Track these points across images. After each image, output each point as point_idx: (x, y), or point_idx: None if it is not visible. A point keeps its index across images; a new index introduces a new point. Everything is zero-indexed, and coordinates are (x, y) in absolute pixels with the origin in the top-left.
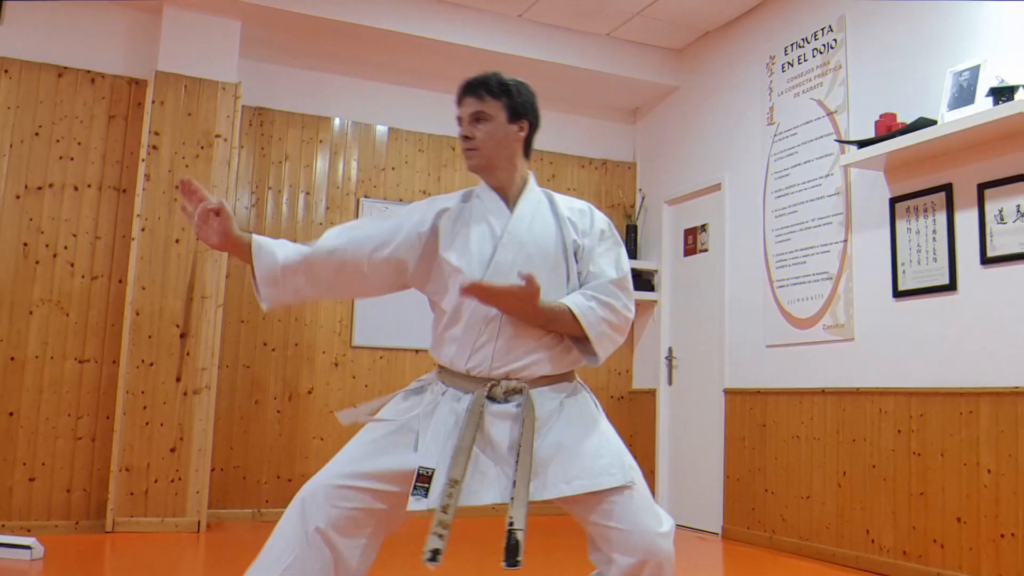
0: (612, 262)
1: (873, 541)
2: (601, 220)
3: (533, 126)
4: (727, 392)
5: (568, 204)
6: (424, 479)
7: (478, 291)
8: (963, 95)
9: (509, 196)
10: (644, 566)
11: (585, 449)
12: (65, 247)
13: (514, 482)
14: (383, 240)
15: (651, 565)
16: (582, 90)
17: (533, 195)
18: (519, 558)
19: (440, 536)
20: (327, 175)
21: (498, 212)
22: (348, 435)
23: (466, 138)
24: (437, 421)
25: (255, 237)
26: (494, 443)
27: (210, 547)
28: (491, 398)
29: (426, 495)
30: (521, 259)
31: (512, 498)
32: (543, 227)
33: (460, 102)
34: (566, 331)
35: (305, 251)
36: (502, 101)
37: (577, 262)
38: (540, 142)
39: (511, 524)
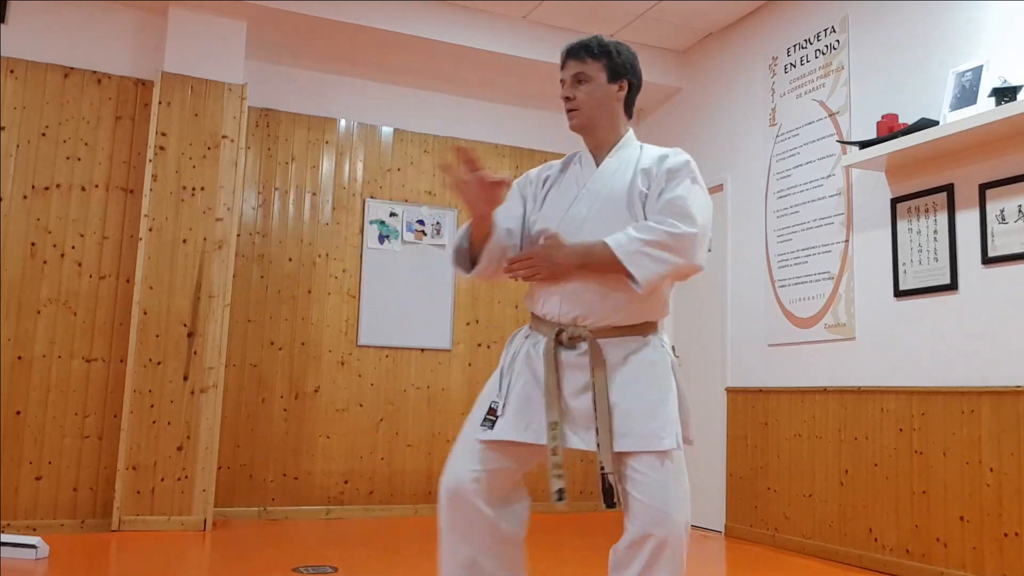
0: (672, 191)
1: (876, 540)
2: (673, 160)
3: (633, 86)
4: (729, 391)
5: (651, 153)
6: (492, 412)
7: (512, 266)
8: (965, 96)
9: (603, 155)
10: (647, 540)
11: (639, 409)
12: (72, 247)
13: (596, 429)
14: (500, 223)
15: (654, 541)
16: None
17: (624, 152)
18: (614, 500)
19: (559, 476)
20: (333, 176)
21: (588, 171)
22: (354, 433)
23: (567, 99)
24: (516, 361)
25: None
26: (568, 391)
27: (216, 545)
28: (560, 343)
29: (492, 427)
30: (594, 212)
31: (597, 445)
32: (621, 180)
33: (563, 65)
34: (607, 266)
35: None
36: (602, 62)
37: (644, 209)
38: (542, 142)
39: (602, 469)
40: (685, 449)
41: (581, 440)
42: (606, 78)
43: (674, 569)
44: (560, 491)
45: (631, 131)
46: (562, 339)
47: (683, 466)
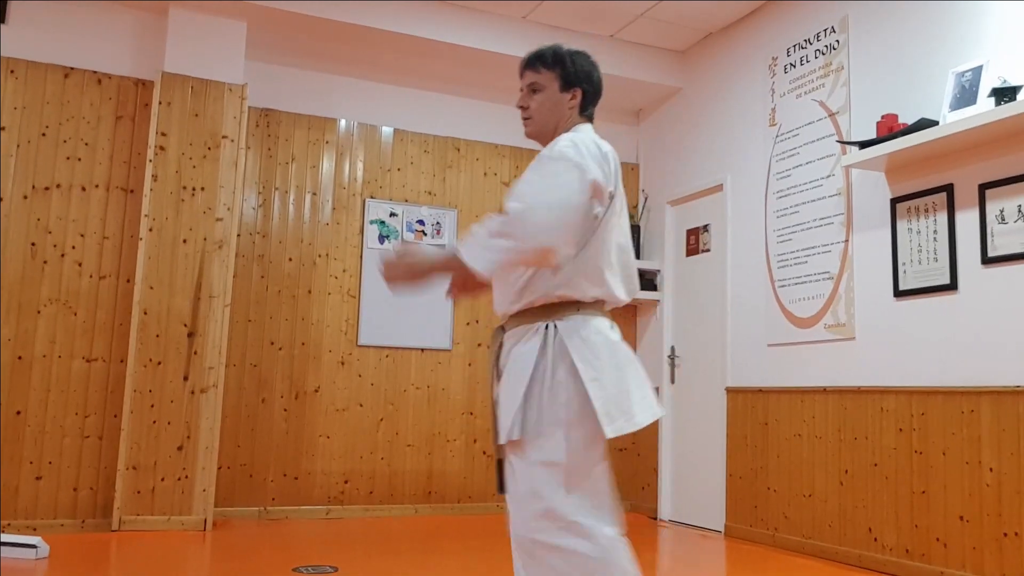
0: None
1: (876, 539)
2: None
3: (588, 93)
4: (729, 391)
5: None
6: None
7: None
8: (965, 96)
9: None
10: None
11: (502, 403)
12: (73, 247)
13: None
14: None
15: (512, 539)
16: None
17: None
18: (501, 484)
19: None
20: (333, 176)
21: None
22: (354, 433)
23: (522, 108)
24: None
25: None
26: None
27: (217, 545)
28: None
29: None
30: None
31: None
32: None
33: (520, 75)
34: (457, 264)
35: None
36: (556, 71)
37: None
38: None
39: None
40: (618, 474)
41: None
42: (559, 87)
43: (542, 570)
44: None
45: (584, 128)
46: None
47: (534, 459)
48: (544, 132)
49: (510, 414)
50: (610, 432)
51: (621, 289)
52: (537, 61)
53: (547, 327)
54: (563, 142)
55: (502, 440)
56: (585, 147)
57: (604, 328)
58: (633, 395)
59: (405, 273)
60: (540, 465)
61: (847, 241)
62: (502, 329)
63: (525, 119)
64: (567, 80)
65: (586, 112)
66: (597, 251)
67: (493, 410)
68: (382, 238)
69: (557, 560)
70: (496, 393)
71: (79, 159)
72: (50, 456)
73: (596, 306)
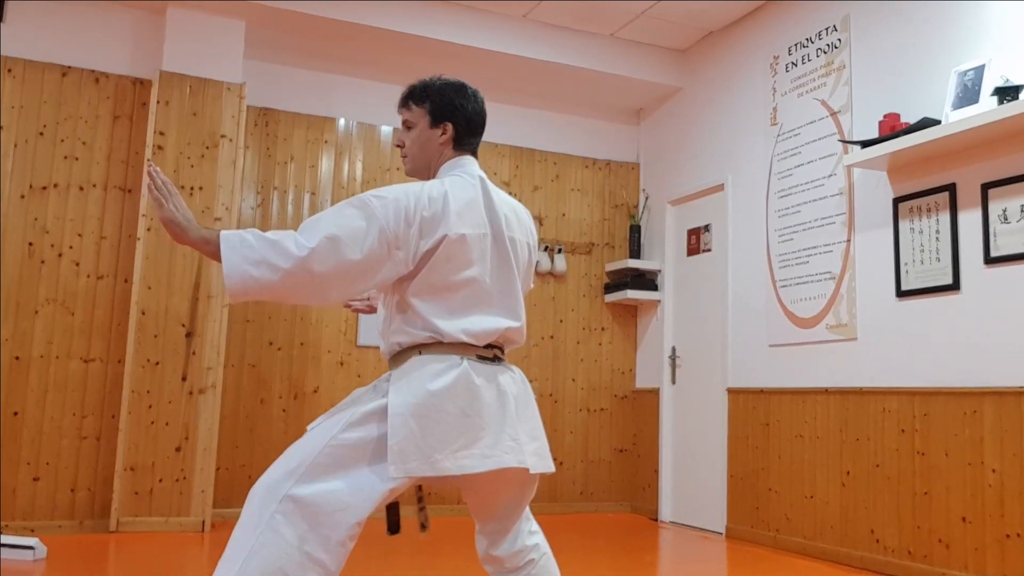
0: None
1: (878, 541)
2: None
3: (460, 127)
4: (730, 391)
5: None
6: None
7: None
8: (967, 95)
9: None
10: None
11: None
12: (70, 247)
13: None
14: None
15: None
16: (586, 91)
17: None
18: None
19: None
20: (332, 175)
21: None
22: None
23: (399, 146)
24: None
25: None
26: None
27: (215, 547)
28: None
29: None
30: None
31: None
32: None
33: (398, 112)
34: (214, 254)
35: None
36: (424, 107)
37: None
38: (543, 143)
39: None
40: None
41: None
42: (428, 123)
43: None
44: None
45: (459, 163)
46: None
47: (307, 440)
48: (418, 169)
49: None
50: (394, 472)
51: (464, 330)
52: (408, 98)
53: (387, 378)
54: (380, 192)
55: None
56: (396, 202)
57: (436, 366)
58: (447, 437)
59: (171, 228)
60: (311, 437)
61: (849, 241)
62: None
63: (402, 157)
64: (436, 115)
65: (464, 144)
66: (423, 298)
67: None
68: None
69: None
70: None
71: (77, 158)
72: (48, 457)
73: (438, 347)
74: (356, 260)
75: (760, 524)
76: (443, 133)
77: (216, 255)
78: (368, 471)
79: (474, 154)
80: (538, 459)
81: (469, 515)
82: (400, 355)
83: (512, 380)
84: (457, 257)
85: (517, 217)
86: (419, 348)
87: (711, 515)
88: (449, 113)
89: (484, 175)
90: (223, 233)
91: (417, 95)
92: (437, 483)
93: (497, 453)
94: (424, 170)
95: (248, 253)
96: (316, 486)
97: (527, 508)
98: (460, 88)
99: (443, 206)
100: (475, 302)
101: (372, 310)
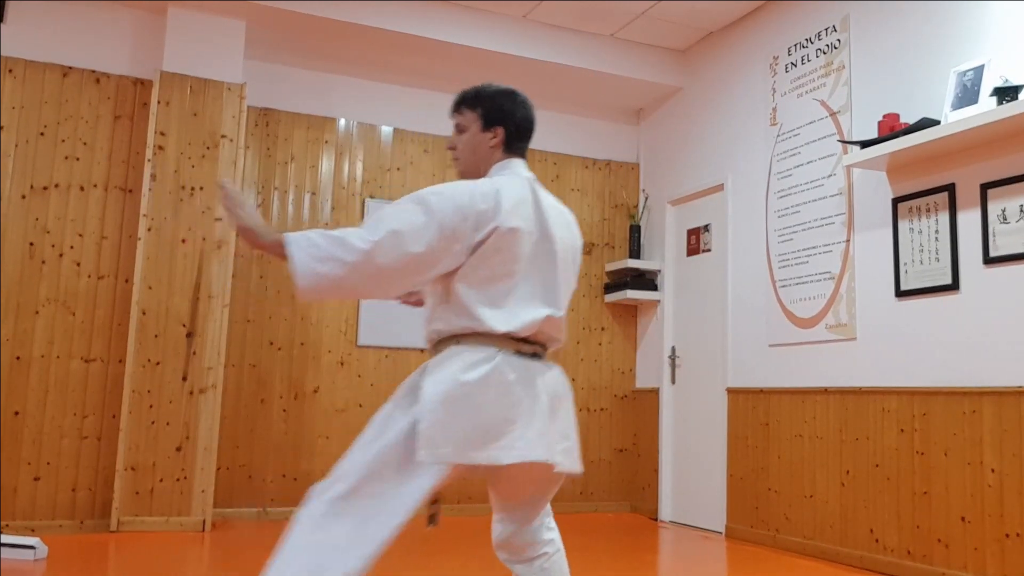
0: None
1: (877, 540)
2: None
3: (510, 131)
4: (730, 391)
5: None
6: None
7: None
8: (967, 95)
9: None
10: None
11: None
12: (71, 247)
13: None
14: None
15: None
16: (586, 91)
17: None
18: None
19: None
20: (332, 175)
21: None
22: (353, 434)
23: (451, 148)
24: None
25: None
26: None
27: (215, 546)
28: None
29: None
30: None
31: None
32: None
33: (450, 117)
34: (273, 249)
35: None
36: (477, 112)
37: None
38: (543, 143)
39: None
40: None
41: None
42: (480, 127)
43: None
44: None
45: (499, 165)
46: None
47: (358, 451)
48: (469, 170)
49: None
50: (422, 456)
51: (504, 321)
52: (461, 103)
53: (438, 359)
54: (436, 189)
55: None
56: (452, 197)
57: (471, 356)
58: (479, 428)
59: (245, 234)
60: (359, 450)
61: (848, 241)
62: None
63: (454, 159)
64: (488, 120)
65: (513, 148)
66: (468, 286)
67: None
68: None
69: (296, 526)
70: None
71: (77, 158)
72: (48, 457)
73: (477, 338)
74: (417, 253)
75: (760, 524)
76: (494, 137)
77: (285, 257)
78: (411, 468)
79: (523, 157)
80: (565, 457)
81: (469, 515)
82: (440, 343)
83: (550, 378)
84: (505, 250)
85: (564, 220)
86: (457, 338)
87: (711, 515)
88: (500, 118)
89: (534, 176)
90: (289, 235)
91: (470, 100)
92: (467, 472)
93: (525, 447)
94: (475, 172)
95: (315, 251)
96: (364, 488)
97: (548, 504)
98: (511, 94)
99: (495, 201)
100: (518, 295)
101: (420, 303)
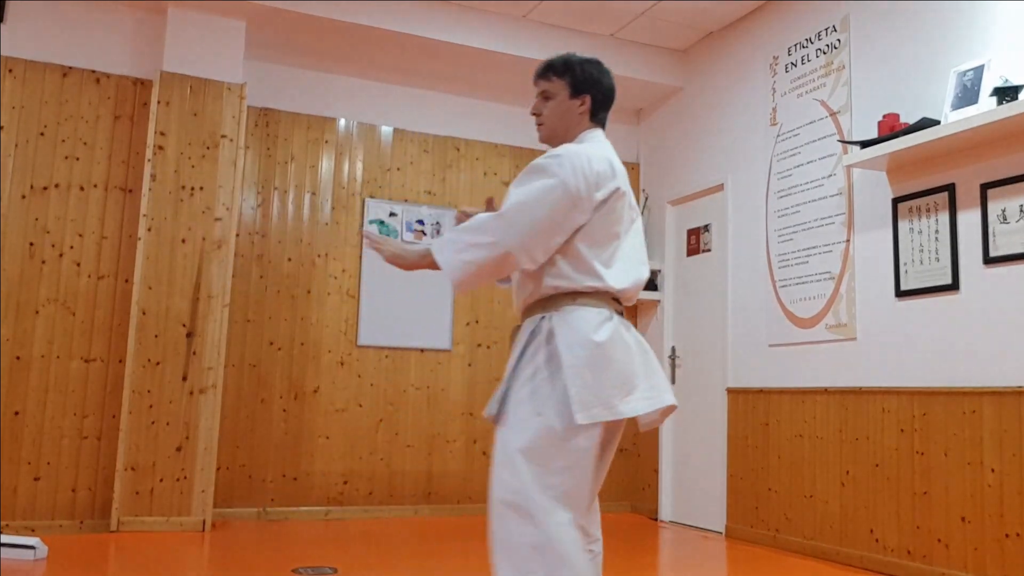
0: None
1: (877, 540)
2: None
3: (597, 99)
4: (730, 391)
5: None
6: None
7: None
8: (967, 95)
9: None
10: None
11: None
12: (71, 247)
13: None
14: None
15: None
16: None
17: None
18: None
19: None
20: (332, 175)
21: None
22: (353, 434)
23: (535, 114)
24: None
25: None
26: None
27: (216, 546)
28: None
29: None
30: None
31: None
32: None
33: (534, 83)
34: (431, 263)
35: None
36: (565, 79)
37: None
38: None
39: None
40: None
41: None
42: (568, 94)
43: (501, 548)
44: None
45: (587, 134)
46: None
47: (518, 435)
48: (554, 137)
49: (498, 391)
50: (580, 419)
51: (618, 280)
52: (548, 70)
53: (542, 317)
54: (553, 153)
55: (485, 414)
56: (570, 158)
57: (595, 317)
58: (618, 384)
59: (395, 261)
60: (513, 444)
61: (848, 241)
62: (519, 327)
63: (538, 125)
64: (576, 87)
65: (597, 118)
66: (589, 245)
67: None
68: None
69: (502, 533)
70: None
71: (77, 159)
72: (48, 457)
73: (595, 296)
74: (546, 215)
75: (760, 524)
76: (582, 104)
77: (434, 263)
78: (572, 433)
79: (603, 127)
80: (671, 398)
81: (469, 515)
82: (553, 299)
83: (635, 332)
84: (616, 211)
85: None
86: (574, 295)
87: (711, 515)
88: (588, 86)
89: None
90: (432, 242)
91: (559, 68)
92: (615, 428)
93: (655, 395)
94: (559, 138)
95: (455, 246)
96: (554, 479)
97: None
98: (597, 63)
99: (610, 165)
100: (622, 255)
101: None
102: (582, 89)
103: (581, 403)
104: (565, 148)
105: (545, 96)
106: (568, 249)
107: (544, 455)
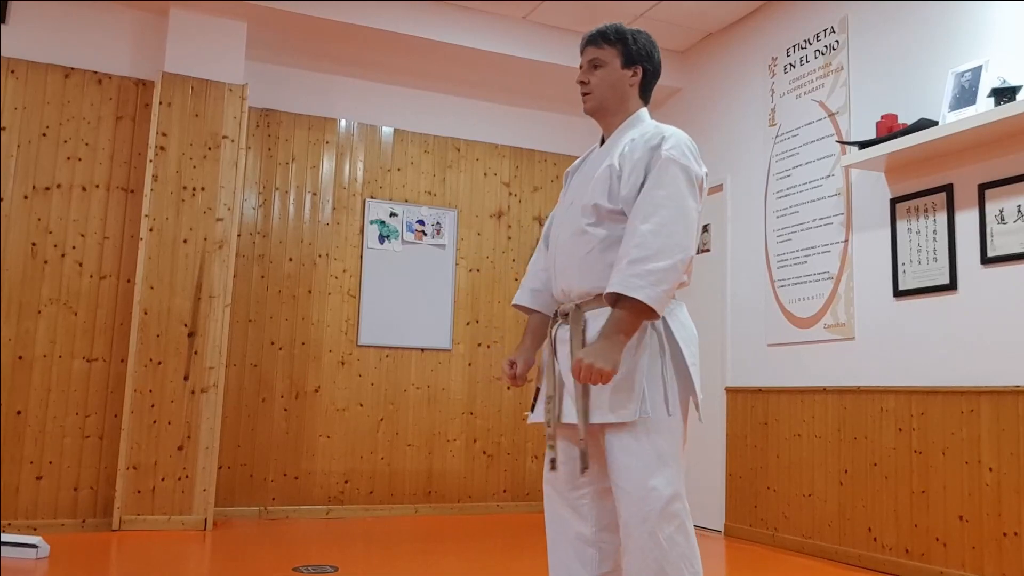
0: (649, 186)
1: (875, 539)
2: (657, 144)
3: (648, 72)
4: (729, 391)
5: (647, 131)
6: (535, 398)
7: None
8: (964, 96)
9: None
10: (624, 524)
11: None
12: (73, 247)
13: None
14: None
15: (624, 524)
16: None
17: (626, 131)
18: (586, 466)
19: (551, 447)
20: (333, 176)
21: (595, 154)
22: (354, 433)
23: (583, 83)
24: (546, 346)
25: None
26: (561, 365)
27: (217, 545)
28: (561, 322)
29: (532, 411)
30: (572, 193)
31: (576, 415)
32: (602, 160)
33: (582, 52)
34: (633, 316)
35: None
36: (617, 48)
37: (614, 188)
38: (543, 143)
39: (581, 440)
40: (688, 423)
41: (569, 414)
42: (620, 63)
43: (657, 554)
44: (552, 460)
45: (643, 112)
46: (559, 315)
47: (664, 437)
48: (603, 107)
49: (631, 392)
50: (700, 418)
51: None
52: (600, 37)
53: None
54: (672, 142)
55: (626, 417)
56: (687, 147)
57: (681, 307)
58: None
59: (610, 363)
60: (667, 446)
61: (847, 241)
62: (579, 308)
63: (585, 94)
64: (629, 57)
65: (645, 94)
66: None
67: (558, 390)
68: (382, 238)
69: (681, 538)
70: (559, 371)
71: (79, 159)
72: (50, 456)
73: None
74: (696, 214)
75: (758, 522)
76: (634, 75)
77: (639, 317)
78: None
79: (647, 104)
80: None
81: (469, 514)
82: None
83: None
84: None
85: None
86: None
87: (710, 513)
88: (641, 57)
89: None
90: (650, 302)
91: (611, 36)
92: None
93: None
94: (607, 110)
95: (650, 281)
96: (681, 479)
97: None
98: (649, 36)
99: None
100: None
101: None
102: (635, 59)
103: (699, 402)
104: (675, 134)
105: (594, 64)
106: None
107: (679, 456)
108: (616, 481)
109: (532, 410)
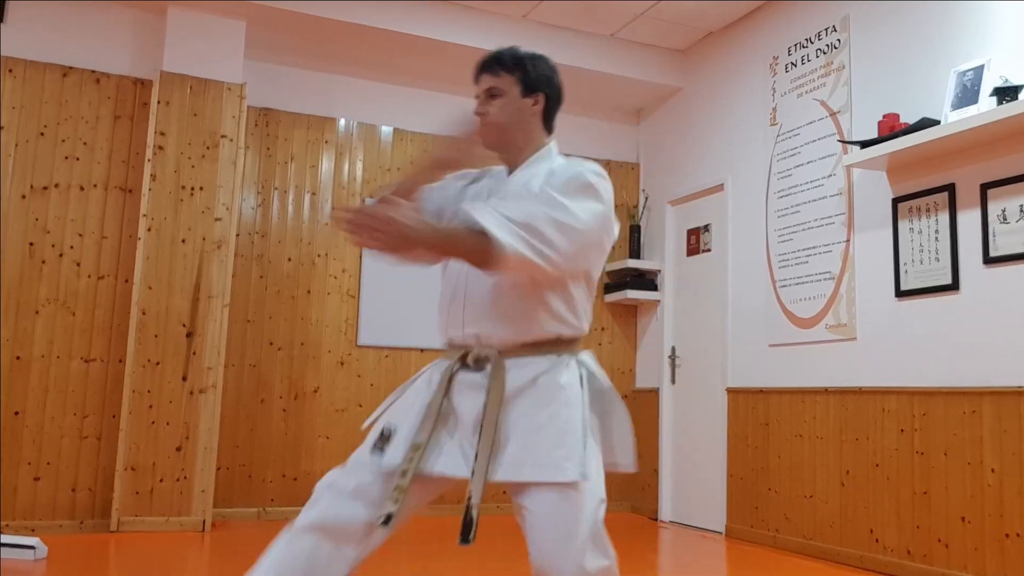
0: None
1: (877, 540)
2: (572, 173)
3: (551, 99)
4: (730, 391)
5: (562, 164)
6: (384, 438)
7: (350, 224)
8: (967, 95)
9: (517, 168)
10: None
11: (539, 436)
12: (71, 247)
13: (476, 456)
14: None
15: None
16: (585, 91)
17: (537, 164)
18: (471, 536)
19: (395, 501)
20: (332, 175)
21: (499, 181)
22: (353, 434)
23: (480, 115)
24: (412, 389)
25: None
26: (458, 413)
27: (215, 546)
28: (466, 366)
29: (382, 454)
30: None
31: (472, 472)
32: (526, 191)
33: (476, 80)
34: (463, 242)
35: None
36: (516, 75)
37: None
38: None
39: (468, 499)
40: (618, 474)
41: (454, 466)
42: (519, 92)
43: None
44: (388, 516)
45: (552, 144)
46: (467, 361)
47: (590, 501)
48: (503, 140)
49: (569, 447)
50: (634, 467)
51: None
52: (495, 63)
53: (575, 361)
54: (594, 170)
55: (568, 477)
56: (605, 189)
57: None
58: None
59: (392, 236)
60: (594, 500)
61: (848, 241)
62: (499, 354)
63: (484, 127)
64: (528, 85)
65: (549, 123)
66: (588, 290)
67: (482, 441)
68: None
69: None
70: (490, 423)
71: (77, 158)
72: (48, 457)
73: (578, 345)
74: (597, 243)
75: (760, 524)
76: (535, 104)
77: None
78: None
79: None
80: None
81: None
82: (564, 342)
83: None
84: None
85: None
86: (572, 343)
87: (711, 515)
88: (541, 83)
89: None
90: (500, 238)
91: (508, 61)
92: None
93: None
94: (508, 143)
95: (519, 246)
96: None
97: None
98: (548, 60)
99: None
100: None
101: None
102: (536, 86)
103: (616, 452)
104: (594, 169)
105: (491, 94)
106: (566, 293)
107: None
108: (534, 539)
109: (381, 453)
